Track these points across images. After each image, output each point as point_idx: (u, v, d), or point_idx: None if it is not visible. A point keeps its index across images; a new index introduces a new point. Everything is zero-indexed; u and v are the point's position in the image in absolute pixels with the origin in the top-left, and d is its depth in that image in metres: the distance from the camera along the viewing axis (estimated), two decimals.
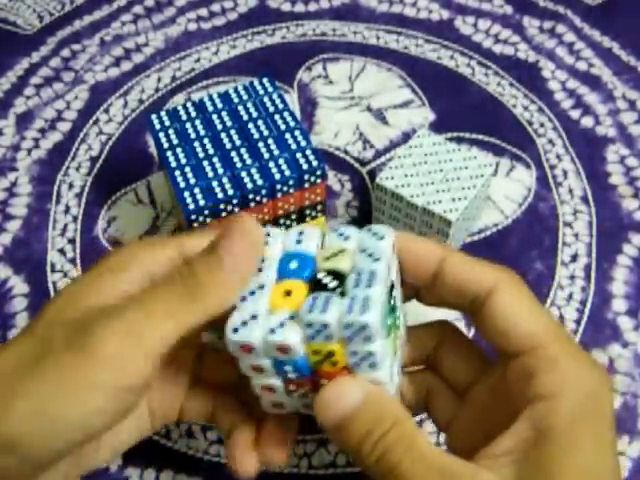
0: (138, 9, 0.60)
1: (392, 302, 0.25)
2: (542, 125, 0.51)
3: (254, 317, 0.23)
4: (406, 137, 0.50)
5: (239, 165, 0.37)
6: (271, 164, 0.37)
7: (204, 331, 0.29)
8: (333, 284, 0.23)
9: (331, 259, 0.24)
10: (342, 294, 0.23)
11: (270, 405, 0.26)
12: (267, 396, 0.26)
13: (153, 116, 0.40)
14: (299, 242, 0.25)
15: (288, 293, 0.24)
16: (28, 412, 0.22)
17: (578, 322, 0.41)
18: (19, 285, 0.44)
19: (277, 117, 0.40)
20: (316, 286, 0.24)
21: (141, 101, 0.53)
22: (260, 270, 0.25)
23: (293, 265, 0.24)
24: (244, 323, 0.23)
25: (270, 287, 0.24)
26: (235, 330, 0.23)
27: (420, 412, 0.33)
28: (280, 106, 0.40)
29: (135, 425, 0.28)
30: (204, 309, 0.23)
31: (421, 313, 0.30)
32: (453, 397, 0.28)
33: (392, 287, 0.25)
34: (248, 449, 0.27)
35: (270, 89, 0.41)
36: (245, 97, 0.41)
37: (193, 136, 0.39)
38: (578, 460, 0.21)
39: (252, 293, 0.24)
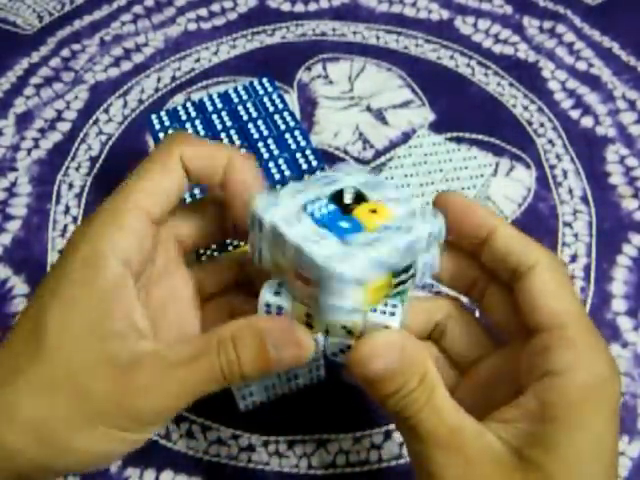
0: (138, 9, 0.60)
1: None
2: (542, 125, 0.51)
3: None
4: (406, 137, 0.50)
5: None
6: (271, 164, 0.37)
7: None
8: (349, 200, 0.24)
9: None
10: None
11: None
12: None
13: (153, 116, 0.40)
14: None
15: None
16: None
17: None
18: (19, 285, 0.44)
19: (277, 117, 0.40)
20: (335, 197, 0.24)
21: (141, 101, 0.53)
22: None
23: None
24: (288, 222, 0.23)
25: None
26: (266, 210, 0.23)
27: None
28: (280, 106, 0.40)
29: None
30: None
31: None
32: (454, 372, 0.29)
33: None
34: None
35: (270, 89, 0.41)
36: (245, 97, 0.41)
37: None
38: (580, 440, 0.22)
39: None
